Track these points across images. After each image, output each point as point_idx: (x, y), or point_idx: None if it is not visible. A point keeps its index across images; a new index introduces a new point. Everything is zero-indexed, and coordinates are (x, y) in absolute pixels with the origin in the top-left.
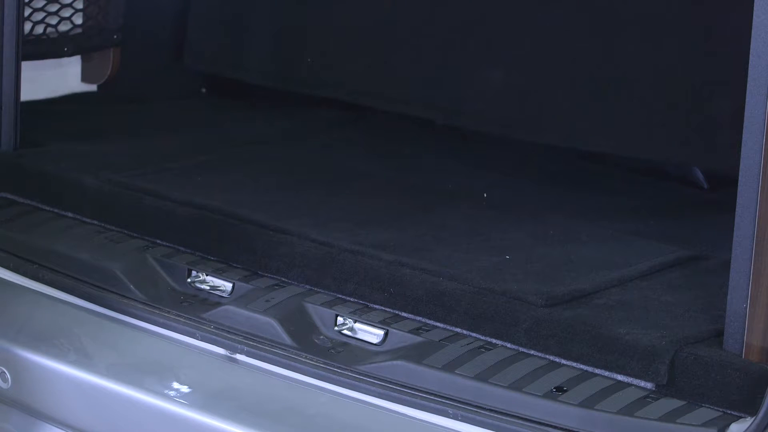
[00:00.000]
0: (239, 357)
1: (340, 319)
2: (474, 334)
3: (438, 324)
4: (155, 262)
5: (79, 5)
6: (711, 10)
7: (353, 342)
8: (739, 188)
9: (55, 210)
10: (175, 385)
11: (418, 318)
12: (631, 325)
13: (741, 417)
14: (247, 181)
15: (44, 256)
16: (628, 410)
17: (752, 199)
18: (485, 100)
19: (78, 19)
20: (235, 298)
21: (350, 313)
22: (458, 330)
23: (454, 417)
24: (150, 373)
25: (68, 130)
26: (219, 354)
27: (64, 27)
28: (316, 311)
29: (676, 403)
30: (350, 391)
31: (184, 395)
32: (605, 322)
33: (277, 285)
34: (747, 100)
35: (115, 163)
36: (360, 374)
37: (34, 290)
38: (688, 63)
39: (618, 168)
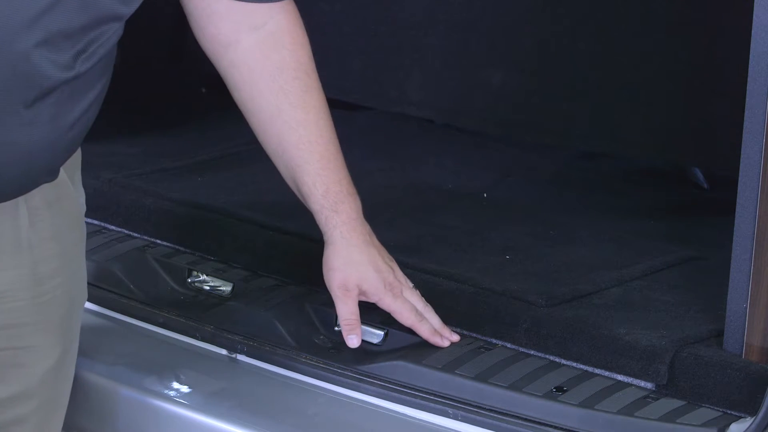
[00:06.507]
0: (239, 357)
1: None
2: (474, 334)
3: None
4: (155, 262)
5: None
6: (711, 11)
7: None
8: (739, 188)
9: None
10: (175, 385)
11: None
12: (631, 325)
13: (741, 417)
14: (247, 181)
15: None
16: (628, 410)
17: (752, 199)
18: (485, 100)
19: None
20: (235, 298)
21: None
22: (458, 330)
23: (454, 417)
24: (150, 373)
25: None
26: (219, 354)
27: None
28: (316, 311)
29: (676, 403)
30: (350, 391)
31: (184, 395)
32: (605, 322)
33: (277, 285)
34: (747, 100)
35: (115, 163)
36: (360, 374)
37: None
38: (688, 63)
39: (618, 168)
